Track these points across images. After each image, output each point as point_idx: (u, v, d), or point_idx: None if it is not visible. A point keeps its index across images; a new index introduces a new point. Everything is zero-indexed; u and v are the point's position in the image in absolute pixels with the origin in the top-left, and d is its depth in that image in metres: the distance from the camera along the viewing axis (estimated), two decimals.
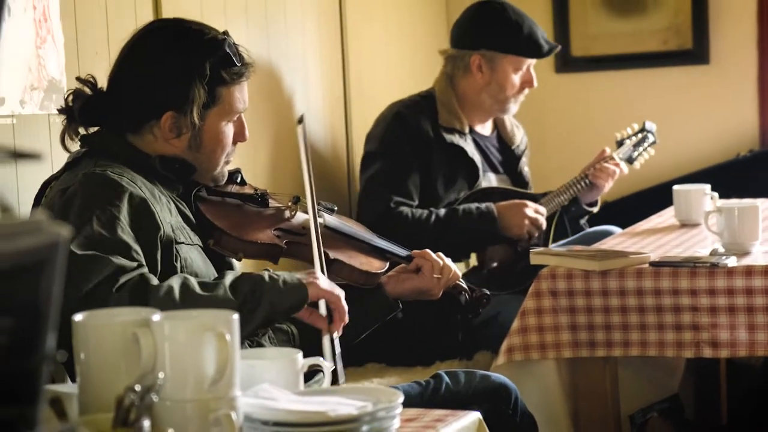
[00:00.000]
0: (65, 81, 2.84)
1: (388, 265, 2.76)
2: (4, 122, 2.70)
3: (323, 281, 2.40)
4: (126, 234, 2.29)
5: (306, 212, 2.58)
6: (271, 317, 2.33)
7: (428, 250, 2.79)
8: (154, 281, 2.23)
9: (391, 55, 4.64)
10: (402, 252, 2.82)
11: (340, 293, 2.40)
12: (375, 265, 2.72)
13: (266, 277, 2.33)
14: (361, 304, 2.74)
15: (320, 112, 4.11)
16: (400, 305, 2.77)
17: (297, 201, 2.66)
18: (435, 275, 2.76)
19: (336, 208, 2.80)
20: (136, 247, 2.29)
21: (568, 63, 5.18)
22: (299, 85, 4.00)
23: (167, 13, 3.20)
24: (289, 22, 3.94)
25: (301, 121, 2.55)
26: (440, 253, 2.83)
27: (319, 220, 2.61)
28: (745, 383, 4.21)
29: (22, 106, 2.74)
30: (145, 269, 2.26)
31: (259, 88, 3.64)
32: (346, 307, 2.40)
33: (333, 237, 2.71)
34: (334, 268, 2.65)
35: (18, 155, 1.38)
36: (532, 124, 4.41)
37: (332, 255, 2.64)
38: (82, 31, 2.94)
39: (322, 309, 2.40)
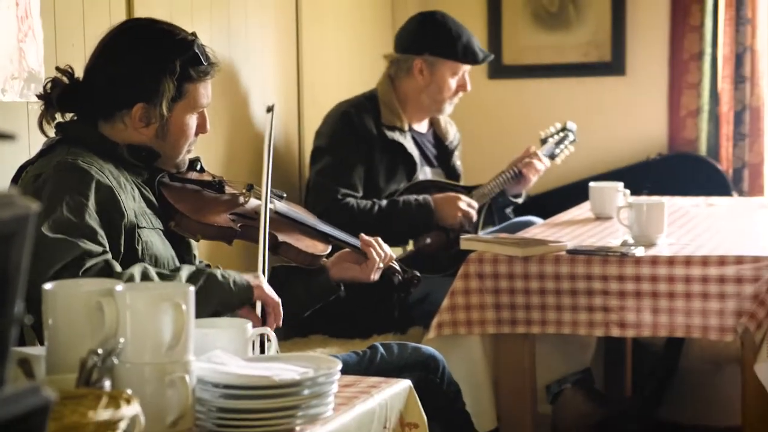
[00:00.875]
0: (44, 72, 2.80)
1: (330, 248, 2.76)
2: None
3: (266, 285, 2.40)
4: (93, 219, 2.26)
5: (258, 198, 2.57)
6: (219, 312, 2.33)
7: (374, 240, 2.78)
8: (118, 268, 2.21)
9: (341, 57, 4.62)
10: (345, 237, 2.81)
11: (279, 300, 2.41)
12: (319, 248, 2.72)
13: (219, 276, 2.33)
14: (306, 285, 2.73)
15: (275, 108, 4.08)
16: (342, 288, 2.77)
17: (251, 188, 2.64)
18: (378, 265, 2.77)
19: (285, 195, 2.78)
20: (102, 231, 2.27)
21: (499, 70, 5.19)
22: (257, 83, 3.97)
23: (139, 12, 3.17)
24: (250, 24, 3.92)
25: (270, 110, 2.53)
26: (379, 239, 2.82)
27: (270, 205, 2.60)
28: (648, 360, 4.25)
29: (3, 94, 2.71)
30: (110, 255, 2.24)
31: (219, 84, 3.61)
32: (281, 314, 2.40)
33: (281, 221, 2.69)
34: (281, 250, 2.64)
35: None
36: (467, 124, 4.41)
37: (280, 238, 2.63)
38: (60, 27, 2.91)
39: (259, 309, 2.39)
